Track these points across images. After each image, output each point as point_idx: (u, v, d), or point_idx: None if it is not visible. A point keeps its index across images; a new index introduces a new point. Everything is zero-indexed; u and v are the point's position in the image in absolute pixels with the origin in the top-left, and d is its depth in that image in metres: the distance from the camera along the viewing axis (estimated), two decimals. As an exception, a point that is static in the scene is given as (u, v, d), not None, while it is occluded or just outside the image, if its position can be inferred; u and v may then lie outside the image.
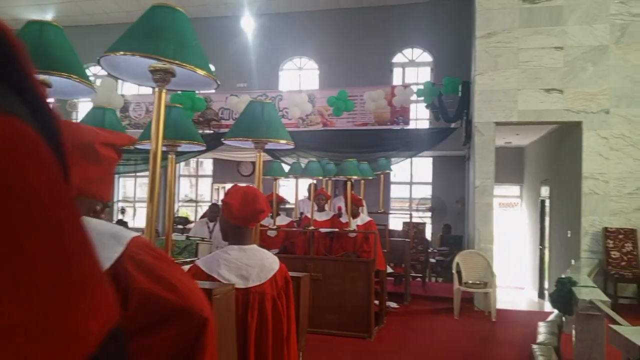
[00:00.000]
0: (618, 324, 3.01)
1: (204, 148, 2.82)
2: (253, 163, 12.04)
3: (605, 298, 3.84)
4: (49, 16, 13.01)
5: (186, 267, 2.08)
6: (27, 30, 1.87)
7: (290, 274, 2.59)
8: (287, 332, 1.79)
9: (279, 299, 1.84)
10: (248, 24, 12.25)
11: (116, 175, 13.35)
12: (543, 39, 6.86)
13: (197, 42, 1.78)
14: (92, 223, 1.06)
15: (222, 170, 13.23)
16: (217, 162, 13.16)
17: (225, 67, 12.69)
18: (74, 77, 1.90)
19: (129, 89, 12.73)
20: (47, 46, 1.86)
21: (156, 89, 1.76)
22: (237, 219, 1.87)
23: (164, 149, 2.74)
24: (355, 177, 5.53)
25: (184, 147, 2.77)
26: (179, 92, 9.95)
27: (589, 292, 4.05)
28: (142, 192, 12.72)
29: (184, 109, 2.79)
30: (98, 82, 11.14)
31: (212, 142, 9.73)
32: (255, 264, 1.85)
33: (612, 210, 6.50)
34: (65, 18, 12.98)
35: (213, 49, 12.63)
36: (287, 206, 8.40)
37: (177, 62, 1.63)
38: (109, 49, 1.62)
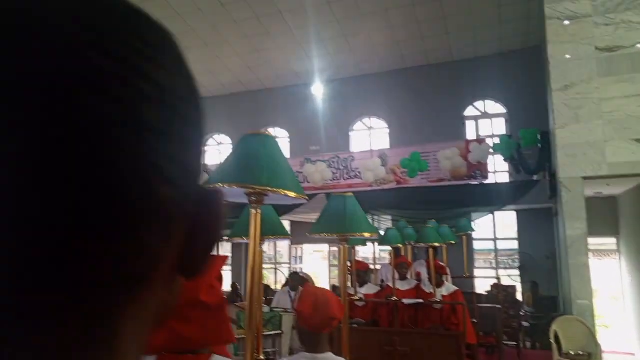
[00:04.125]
0: None
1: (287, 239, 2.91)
2: (329, 224, 12.13)
3: None
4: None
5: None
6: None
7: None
8: None
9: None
10: (318, 90, 12.76)
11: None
12: (627, 87, 6.51)
13: (286, 163, 1.89)
14: None
15: (299, 232, 13.39)
16: (294, 223, 13.43)
17: (299, 132, 13.20)
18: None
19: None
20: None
21: (251, 210, 1.87)
22: (310, 326, 1.88)
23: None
24: (437, 244, 5.40)
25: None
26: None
27: None
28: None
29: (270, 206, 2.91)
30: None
31: (289, 206, 9.99)
32: None
33: None
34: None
35: (287, 116, 13.23)
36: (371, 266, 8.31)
37: (270, 188, 1.74)
38: (211, 180, 1.76)
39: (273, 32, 11.16)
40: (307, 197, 1.87)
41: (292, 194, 1.77)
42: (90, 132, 0.24)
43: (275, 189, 1.73)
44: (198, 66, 12.58)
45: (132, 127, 0.26)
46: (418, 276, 6.16)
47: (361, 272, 5.95)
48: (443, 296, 5.50)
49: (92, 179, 0.24)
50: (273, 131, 13.68)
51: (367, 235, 2.65)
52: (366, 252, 10.42)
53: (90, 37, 0.26)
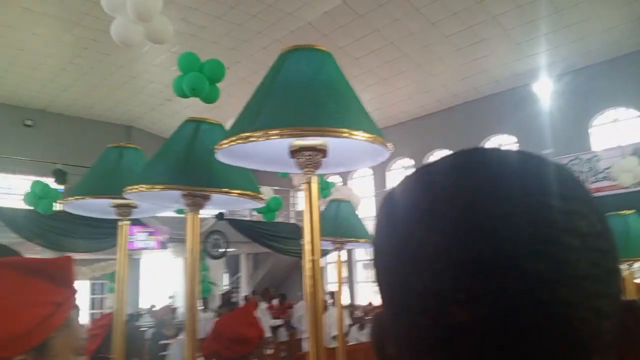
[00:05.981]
0: None
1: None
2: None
3: None
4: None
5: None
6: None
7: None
8: None
9: None
10: (544, 89, 11.71)
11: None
12: None
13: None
14: None
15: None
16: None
17: (527, 136, 12.26)
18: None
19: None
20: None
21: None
22: None
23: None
24: None
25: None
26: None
27: None
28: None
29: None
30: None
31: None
32: None
33: None
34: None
35: (510, 121, 12.45)
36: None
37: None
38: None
39: (486, 38, 10.78)
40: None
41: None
42: (536, 291, 0.32)
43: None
44: (413, 88, 12.89)
45: (571, 282, 0.32)
46: None
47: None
48: None
49: (550, 329, 0.32)
50: (499, 139, 13.04)
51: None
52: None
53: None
